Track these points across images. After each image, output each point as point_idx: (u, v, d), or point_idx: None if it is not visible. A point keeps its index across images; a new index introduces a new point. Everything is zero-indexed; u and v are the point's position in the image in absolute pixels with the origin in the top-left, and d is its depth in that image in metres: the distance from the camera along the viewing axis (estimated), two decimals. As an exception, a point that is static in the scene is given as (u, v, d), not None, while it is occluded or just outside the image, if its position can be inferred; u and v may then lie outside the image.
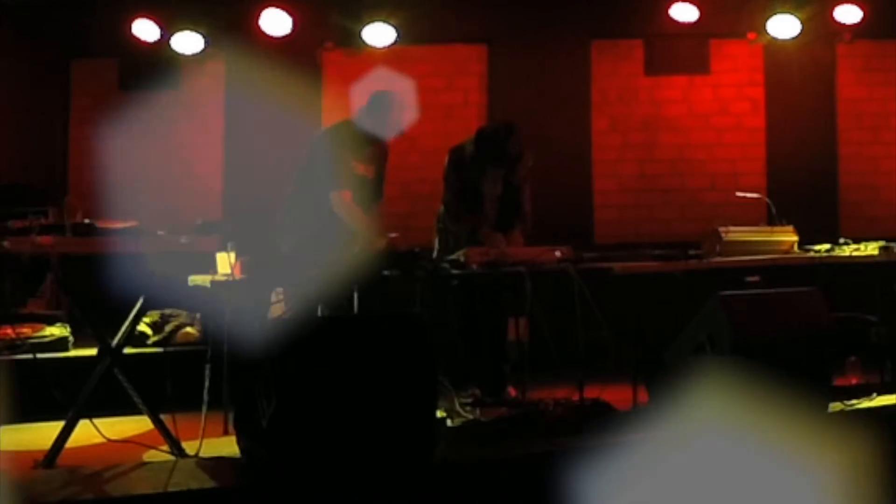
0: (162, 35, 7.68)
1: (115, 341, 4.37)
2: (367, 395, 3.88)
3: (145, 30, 7.64)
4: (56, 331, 5.82)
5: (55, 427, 4.23)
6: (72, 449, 4.24)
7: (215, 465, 4.07)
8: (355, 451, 3.82)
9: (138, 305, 4.43)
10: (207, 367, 4.58)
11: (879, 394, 5.11)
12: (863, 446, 4.60)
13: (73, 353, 5.75)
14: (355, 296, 5.28)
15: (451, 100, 8.14)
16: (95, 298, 4.47)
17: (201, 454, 4.21)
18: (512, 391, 5.50)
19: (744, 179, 7.87)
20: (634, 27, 8.05)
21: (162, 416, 4.35)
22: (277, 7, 7.66)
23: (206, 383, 4.55)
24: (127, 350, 4.47)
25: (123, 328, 4.41)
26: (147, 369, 4.92)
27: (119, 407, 4.47)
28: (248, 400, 3.94)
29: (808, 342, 4.66)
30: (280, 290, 4.80)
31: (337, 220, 5.36)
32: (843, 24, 7.75)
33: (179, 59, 7.90)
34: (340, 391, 3.86)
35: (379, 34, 7.71)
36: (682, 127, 8.17)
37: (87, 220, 4.26)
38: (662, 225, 8.05)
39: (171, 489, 3.72)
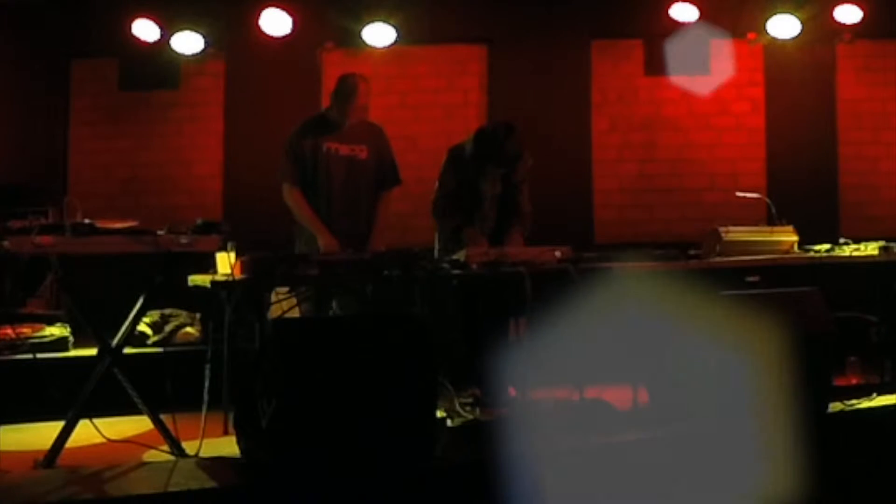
0: (162, 35, 7.68)
1: (115, 341, 4.37)
2: (367, 396, 3.88)
3: (145, 30, 7.64)
4: (56, 331, 5.83)
5: (55, 427, 4.23)
6: (72, 449, 4.24)
7: (215, 465, 4.07)
8: (355, 451, 3.83)
9: (138, 305, 4.43)
10: (207, 367, 4.58)
11: (879, 394, 5.11)
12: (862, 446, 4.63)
13: (73, 353, 5.77)
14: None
15: (451, 100, 8.13)
16: (95, 298, 4.47)
17: (201, 454, 4.21)
18: (512, 391, 5.49)
19: (744, 179, 7.87)
20: (634, 27, 8.05)
21: (162, 416, 4.35)
22: (277, 7, 7.66)
23: (206, 383, 4.54)
24: (127, 350, 4.47)
25: (123, 328, 4.41)
26: (147, 369, 4.92)
27: (119, 407, 4.47)
28: (248, 400, 3.95)
29: (808, 342, 4.66)
30: (280, 290, 4.80)
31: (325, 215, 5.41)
32: (843, 24, 7.75)
33: (179, 59, 7.91)
34: (340, 391, 3.86)
35: (379, 34, 7.71)
36: (682, 127, 8.17)
37: (87, 220, 4.25)
38: (662, 225, 8.05)
39: (171, 489, 3.72)
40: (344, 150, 5.49)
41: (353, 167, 5.52)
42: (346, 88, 5.48)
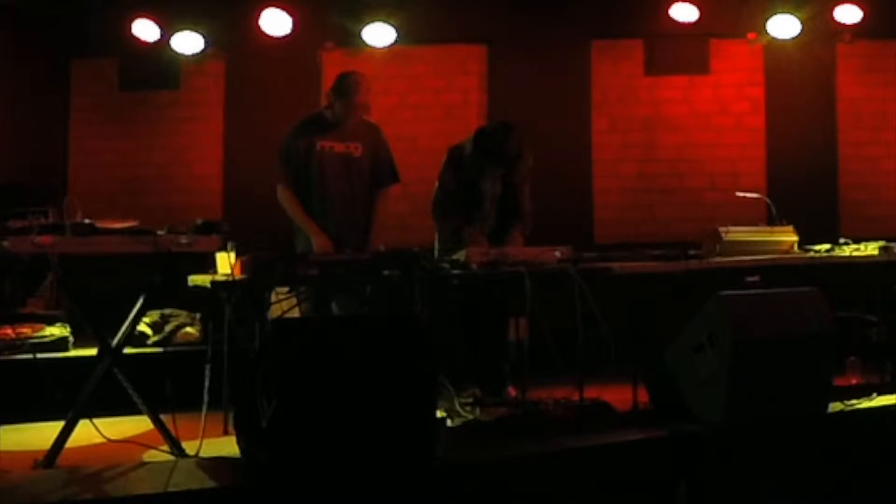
0: (162, 35, 7.68)
1: (115, 341, 4.37)
2: (368, 395, 3.88)
3: (145, 30, 7.64)
4: (56, 331, 5.82)
5: (55, 427, 4.23)
6: (72, 449, 4.23)
7: (215, 465, 4.07)
8: (355, 452, 3.82)
9: (138, 305, 4.43)
10: (207, 367, 4.59)
11: (879, 394, 5.11)
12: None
13: (73, 353, 5.76)
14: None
15: (451, 100, 8.14)
16: (95, 298, 4.47)
17: (201, 454, 4.21)
18: (512, 391, 5.50)
19: (744, 179, 7.87)
20: (634, 27, 8.05)
21: (162, 416, 4.35)
22: (277, 7, 7.66)
23: (206, 383, 4.55)
24: (127, 350, 4.46)
25: (123, 328, 4.41)
26: (147, 369, 4.92)
27: (119, 407, 4.47)
28: (248, 400, 3.94)
29: (808, 342, 4.66)
30: (280, 290, 4.80)
31: (321, 214, 5.41)
32: (843, 24, 7.75)
33: (179, 59, 7.91)
34: (340, 391, 3.85)
35: (379, 34, 7.72)
36: (682, 127, 8.17)
37: (87, 220, 4.25)
38: (662, 225, 8.05)
39: (171, 489, 3.72)
40: (339, 147, 5.48)
41: (348, 165, 5.50)
42: (347, 86, 5.46)
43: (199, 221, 4.42)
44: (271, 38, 7.72)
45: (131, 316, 4.43)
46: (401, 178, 5.70)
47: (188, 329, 6.15)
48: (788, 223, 5.77)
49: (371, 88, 5.57)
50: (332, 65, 7.87)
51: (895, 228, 7.24)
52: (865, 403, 4.97)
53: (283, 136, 5.52)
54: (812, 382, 4.69)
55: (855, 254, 5.60)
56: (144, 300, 4.42)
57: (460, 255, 4.90)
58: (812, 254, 5.62)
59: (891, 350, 5.66)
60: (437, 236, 5.70)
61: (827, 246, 5.69)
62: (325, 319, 5.13)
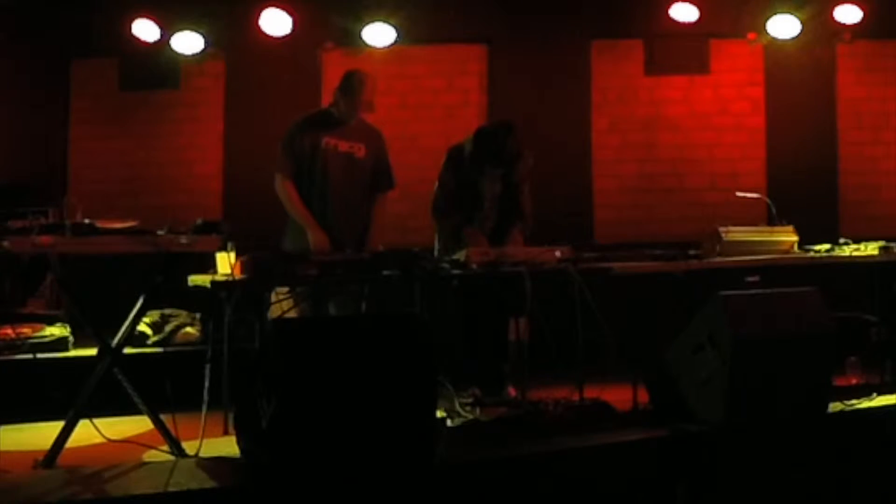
0: (162, 35, 7.68)
1: (115, 341, 4.37)
2: (367, 396, 3.88)
3: (145, 30, 7.65)
4: (56, 331, 5.82)
5: (55, 427, 4.23)
6: (72, 449, 4.23)
7: (215, 465, 4.07)
8: (355, 451, 3.83)
9: (138, 305, 4.43)
10: (207, 367, 4.59)
11: (879, 394, 5.11)
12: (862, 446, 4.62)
13: (73, 353, 5.76)
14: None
15: (451, 100, 8.14)
16: (95, 298, 4.47)
17: (201, 454, 4.21)
18: (512, 391, 5.50)
19: (744, 179, 7.87)
20: (634, 27, 8.05)
21: (162, 416, 4.35)
22: (277, 7, 7.66)
23: (206, 383, 4.55)
24: (127, 350, 4.46)
25: (123, 328, 4.41)
26: (147, 369, 4.92)
27: (119, 407, 4.47)
28: (248, 400, 3.94)
29: (808, 342, 4.66)
30: (280, 290, 4.80)
31: (320, 212, 5.41)
32: (843, 24, 7.75)
33: (179, 59, 7.91)
34: (340, 391, 3.86)
35: (379, 34, 7.72)
36: (682, 127, 8.17)
37: (87, 220, 4.25)
38: (662, 225, 8.05)
39: (171, 489, 3.72)
40: (343, 146, 5.49)
41: (351, 164, 5.51)
42: (353, 84, 5.46)
43: (199, 221, 4.42)
44: (271, 38, 7.72)
45: (131, 316, 4.43)
46: (396, 184, 5.71)
47: (188, 329, 6.15)
48: (788, 223, 5.77)
49: (377, 87, 5.58)
50: (332, 65, 7.87)
51: (895, 228, 7.24)
52: (865, 403, 4.97)
53: (288, 126, 5.51)
54: (812, 382, 4.69)
55: (855, 254, 5.60)
56: (144, 300, 4.42)
57: (460, 255, 4.90)
58: (812, 254, 5.62)
59: (891, 350, 5.66)
60: (437, 236, 5.70)
61: (827, 246, 5.69)
62: (326, 319, 5.14)
